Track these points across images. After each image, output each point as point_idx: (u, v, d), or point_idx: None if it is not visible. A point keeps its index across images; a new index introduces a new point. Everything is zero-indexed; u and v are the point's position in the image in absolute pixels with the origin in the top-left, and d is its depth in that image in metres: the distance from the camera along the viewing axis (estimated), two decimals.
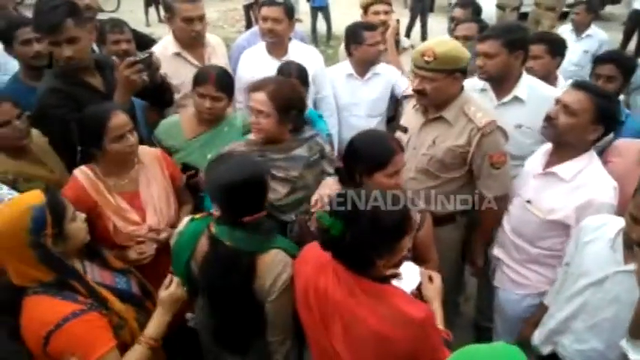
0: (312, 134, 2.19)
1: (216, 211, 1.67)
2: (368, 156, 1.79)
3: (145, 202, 2.00)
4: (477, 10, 3.56)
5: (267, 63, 2.86)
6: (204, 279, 1.67)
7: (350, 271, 1.38)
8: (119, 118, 1.87)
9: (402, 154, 1.85)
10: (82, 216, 1.61)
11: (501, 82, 2.45)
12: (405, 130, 2.37)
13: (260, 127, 2.01)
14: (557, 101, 1.96)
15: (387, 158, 1.77)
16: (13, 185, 1.98)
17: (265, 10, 2.83)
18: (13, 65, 2.66)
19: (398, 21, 3.32)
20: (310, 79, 2.76)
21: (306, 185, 2.08)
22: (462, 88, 2.22)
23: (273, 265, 1.61)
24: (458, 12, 3.53)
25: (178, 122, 2.37)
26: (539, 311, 2.06)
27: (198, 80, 2.27)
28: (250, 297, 1.62)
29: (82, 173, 1.92)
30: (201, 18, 2.66)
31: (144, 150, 2.08)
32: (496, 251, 2.30)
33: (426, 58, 2.08)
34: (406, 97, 2.54)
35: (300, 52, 2.97)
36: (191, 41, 2.70)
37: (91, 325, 1.46)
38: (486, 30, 2.54)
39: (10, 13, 3.28)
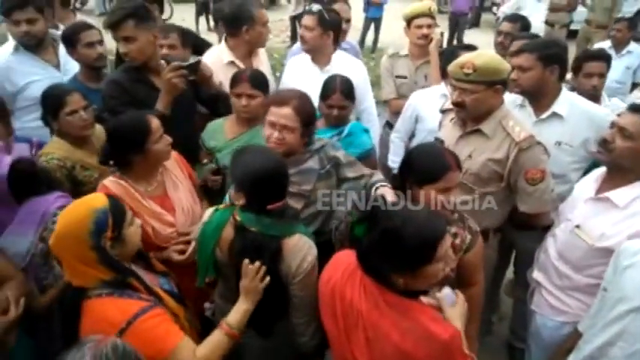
0: (321, 145, 2.15)
1: (240, 201, 1.71)
2: (422, 167, 1.78)
3: (174, 203, 2.07)
4: (526, 26, 3.50)
5: (311, 72, 2.92)
6: (233, 265, 1.72)
7: (376, 282, 1.38)
8: (156, 122, 1.96)
9: (458, 172, 1.79)
10: (139, 222, 1.66)
11: (539, 98, 2.41)
12: (441, 142, 2.35)
13: (284, 142, 1.97)
14: (613, 124, 1.91)
15: (440, 173, 1.73)
16: (71, 171, 2.13)
17: (303, 19, 2.98)
18: (72, 66, 2.83)
19: (442, 34, 3.31)
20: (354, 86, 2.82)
21: (323, 194, 2.07)
22: (502, 101, 2.19)
23: (298, 248, 1.67)
24: (505, 26, 3.49)
25: (221, 124, 2.45)
26: (573, 337, 1.99)
27: (234, 82, 2.36)
28: (277, 279, 1.66)
29: (113, 183, 1.94)
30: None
31: None
32: (536, 274, 2.23)
33: (465, 70, 2.08)
34: (444, 111, 2.52)
35: (344, 63, 3.01)
36: (261, 45, 2.89)
37: (161, 319, 1.49)
38: (522, 45, 2.51)
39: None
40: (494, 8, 10.90)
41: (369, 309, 1.37)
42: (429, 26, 3.20)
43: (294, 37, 9.32)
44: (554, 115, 2.39)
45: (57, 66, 2.85)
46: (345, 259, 1.54)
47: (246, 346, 1.82)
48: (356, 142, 2.43)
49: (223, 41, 2.89)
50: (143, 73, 2.37)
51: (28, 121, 2.68)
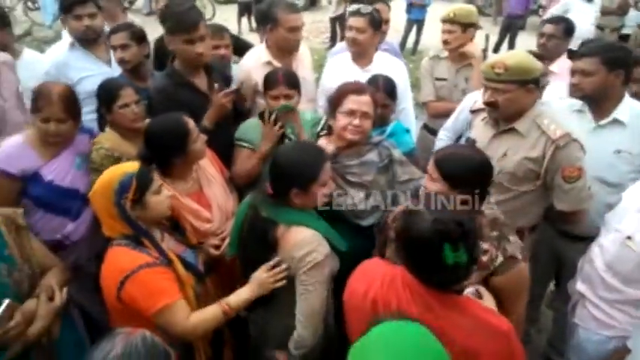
0: (380, 139, 2.21)
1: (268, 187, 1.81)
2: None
3: (209, 199, 2.13)
4: (570, 28, 3.39)
5: (352, 72, 2.92)
6: (240, 243, 1.82)
7: (425, 285, 1.36)
8: (191, 121, 2.04)
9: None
10: (167, 193, 1.79)
11: (600, 103, 2.32)
12: (473, 142, 2.33)
13: (362, 129, 2.06)
14: None
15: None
16: (117, 162, 2.16)
17: (351, 20, 2.92)
18: None
19: (487, 36, 3.24)
20: None
21: (380, 190, 2.09)
22: (535, 100, 2.17)
23: (306, 241, 1.70)
24: (548, 28, 3.39)
25: (258, 123, 2.48)
26: (620, 352, 1.91)
27: (269, 84, 2.40)
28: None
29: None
30: (302, 28, 2.82)
31: None
32: (579, 286, 2.15)
33: (497, 70, 2.08)
34: (474, 111, 2.48)
35: (385, 63, 3.00)
36: (288, 50, 2.85)
37: (161, 277, 1.62)
38: (583, 47, 2.43)
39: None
40: (541, 11, 10.60)
41: (421, 312, 1.34)
42: (449, 32, 3.14)
43: (333, 39, 9.34)
44: (615, 121, 2.31)
45: (108, 62, 2.96)
46: (377, 269, 1.53)
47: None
48: (398, 141, 2.42)
49: (264, 41, 2.93)
50: (185, 77, 2.43)
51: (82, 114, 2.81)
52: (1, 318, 1.47)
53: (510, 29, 8.61)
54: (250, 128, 2.46)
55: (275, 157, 1.83)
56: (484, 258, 1.65)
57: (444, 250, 1.28)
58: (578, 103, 2.42)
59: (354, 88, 2.10)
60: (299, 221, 1.74)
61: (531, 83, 2.11)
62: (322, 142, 2.20)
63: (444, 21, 3.16)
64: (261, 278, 1.73)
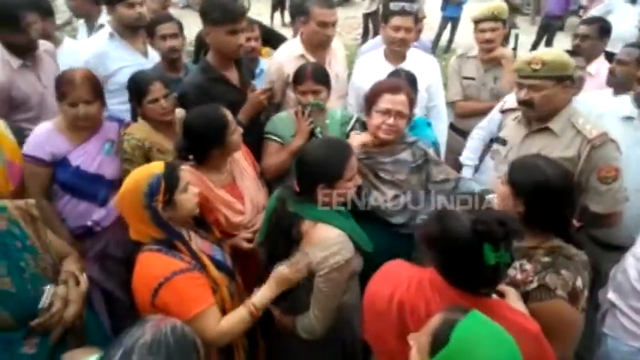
0: (415, 139, 2.20)
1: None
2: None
3: (242, 192, 2.15)
4: (605, 29, 3.28)
5: (384, 69, 2.90)
6: (268, 235, 1.84)
7: (455, 288, 1.33)
8: (228, 112, 2.06)
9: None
10: (194, 190, 1.78)
11: None
12: (503, 142, 2.30)
13: (397, 128, 2.06)
14: None
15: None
16: (147, 153, 2.27)
17: (399, 20, 2.83)
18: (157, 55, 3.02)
19: (517, 35, 3.18)
20: (424, 87, 2.78)
21: (411, 190, 2.09)
22: (570, 98, 2.13)
23: (332, 242, 1.68)
24: (583, 29, 3.30)
25: (288, 117, 2.51)
26: None
27: (298, 79, 2.41)
28: None
29: (186, 172, 1.98)
30: (334, 23, 2.80)
31: None
32: (610, 295, 2.10)
33: (534, 66, 2.04)
34: (504, 111, 2.43)
35: (418, 60, 2.98)
36: (320, 45, 2.84)
37: (195, 283, 1.60)
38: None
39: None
40: (581, 11, 10.25)
41: None
42: (493, 30, 3.09)
43: (365, 35, 9.28)
44: None
45: (145, 54, 3.04)
46: (401, 271, 1.49)
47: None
48: (419, 135, 2.40)
49: (299, 35, 2.95)
50: (219, 71, 2.46)
51: (116, 104, 2.87)
52: (45, 304, 1.54)
53: (548, 30, 8.37)
54: (280, 122, 2.48)
55: (301, 154, 1.84)
56: (519, 276, 1.57)
57: (484, 250, 1.24)
58: (626, 110, 2.34)
59: (390, 87, 2.10)
60: (325, 218, 1.74)
61: (567, 79, 2.08)
62: (356, 137, 2.20)
63: (484, 19, 3.10)
64: (283, 275, 1.71)
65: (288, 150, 2.36)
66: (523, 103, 2.14)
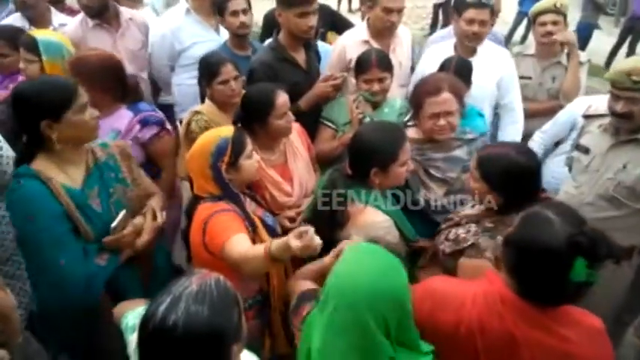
0: (475, 136, 2.14)
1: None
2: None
3: (292, 174, 2.18)
4: None
5: None
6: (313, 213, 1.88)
7: (529, 300, 1.27)
8: (284, 98, 2.07)
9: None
10: (257, 157, 1.87)
11: None
12: (586, 150, 2.18)
13: (450, 126, 2.04)
14: None
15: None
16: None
17: (474, 13, 2.71)
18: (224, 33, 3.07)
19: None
20: (495, 82, 2.69)
21: (462, 188, 2.05)
22: None
23: (375, 225, 1.70)
24: None
25: (345, 103, 2.51)
26: None
27: (362, 67, 2.38)
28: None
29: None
30: (400, 10, 2.74)
31: None
32: None
33: (635, 78, 1.91)
34: (588, 116, 2.29)
35: (490, 54, 2.85)
36: (384, 31, 2.79)
37: (233, 218, 1.71)
38: None
39: None
40: None
41: (540, 335, 1.26)
42: (555, 23, 2.91)
43: (434, 26, 9.05)
44: None
45: (217, 30, 3.13)
46: (457, 290, 1.40)
47: None
48: (469, 125, 2.31)
49: (365, 20, 2.93)
50: (288, 51, 2.50)
51: (187, 79, 3.02)
52: (117, 225, 1.74)
53: (632, 32, 7.78)
54: (337, 108, 2.49)
55: (355, 136, 1.85)
56: (462, 235, 1.70)
57: (574, 264, 1.16)
58: None
59: (430, 90, 2.05)
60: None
61: None
62: (409, 132, 2.17)
63: (546, 12, 2.94)
64: (306, 244, 1.46)
65: (341, 140, 2.36)
66: (620, 116, 2.03)
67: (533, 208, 1.32)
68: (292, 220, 2.11)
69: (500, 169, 1.63)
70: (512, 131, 2.87)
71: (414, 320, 1.32)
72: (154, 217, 1.90)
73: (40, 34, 2.19)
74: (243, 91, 2.34)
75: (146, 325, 1.01)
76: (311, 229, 1.46)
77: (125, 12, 3.08)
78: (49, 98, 1.65)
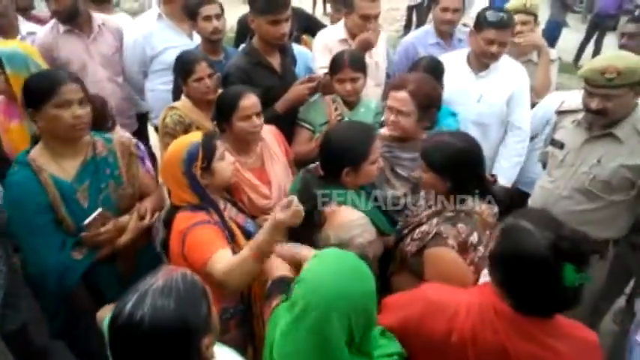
0: None
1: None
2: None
3: (270, 177, 2.17)
4: None
5: (464, 75, 2.72)
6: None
7: (520, 312, 1.27)
8: (250, 101, 2.05)
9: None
10: (231, 158, 1.84)
11: None
12: (560, 145, 2.22)
13: (399, 125, 2.05)
14: None
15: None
16: (188, 129, 2.33)
17: (494, 34, 2.52)
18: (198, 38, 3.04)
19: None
20: (505, 99, 2.65)
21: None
22: (636, 103, 2.05)
23: (353, 223, 1.68)
24: (629, 27, 3.14)
25: (321, 103, 2.50)
26: None
27: (335, 68, 2.39)
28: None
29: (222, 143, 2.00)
30: (377, 16, 2.76)
31: (264, 128, 2.20)
32: None
33: (608, 76, 1.94)
34: (561, 112, 2.34)
35: (504, 68, 2.70)
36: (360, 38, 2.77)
37: (213, 231, 1.67)
38: None
39: None
40: (638, 11, 9.78)
41: (526, 344, 1.26)
42: (524, 23, 2.96)
43: (408, 27, 9.16)
44: None
45: (190, 35, 3.09)
46: (450, 299, 1.38)
47: None
48: (442, 124, 2.34)
49: (342, 20, 2.93)
50: (262, 56, 2.48)
51: (160, 84, 2.99)
52: (90, 223, 1.74)
53: (599, 28, 8.02)
54: (313, 109, 2.49)
55: (325, 137, 1.85)
56: (426, 229, 1.71)
57: (564, 271, 1.16)
58: None
59: (394, 84, 2.10)
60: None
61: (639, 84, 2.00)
62: (383, 129, 2.19)
63: (516, 12, 2.95)
64: (279, 219, 1.53)
65: (317, 142, 2.30)
66: (595, 112, 2.06)
67: (508, 220, 1.32)
68: None
69: (444, 156, 1.69)
70: (515, 149, 2.75)
71: (401, 323, 1.35)
72: (142, 218, 1.90)
73: (2, 47, 2.16)
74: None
75: (114, 323, 1.02)
76: (295, 198, 1.53)
77: (97, 17, 3.02)
78: (33, 86, 1.72)
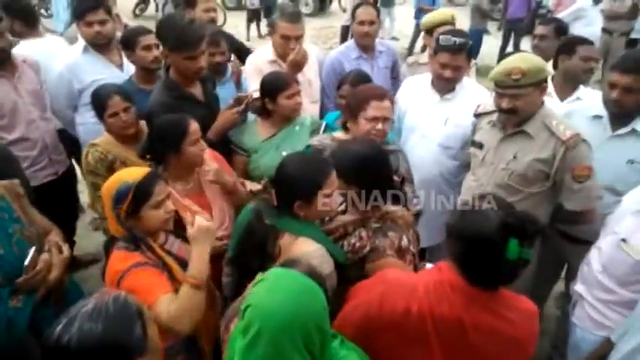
0: (396, 149, 2.25)
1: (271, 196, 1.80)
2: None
3: (210, 201, 2.16)
4: (561, 28, 3.39)
5: (429, 97, 2.74)
6: (238, 248, 1.81)
7: (475, 285, 1.36)
8: (195, 125, 2.08)
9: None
10: (170, 208, 1.73)
11: (624, 114, 2.30)
12: (480, 145, 2.37)
13: (385, 132, 2.16)
14: None
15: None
16: (111, 165, 2.28)
17: (448, 58, 2.53)
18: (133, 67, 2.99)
19: None
20: (471, 121, 2.62)
21: None
22: (542, 99, 2.22)
23: (310, 255, 1.61)
24: (540, 29, 3.43)
25: (253, 125, 2.53)
26: (605, 346, 1.93)
27: (281, 86, 2.41)
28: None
29: (165, 188, 1.93)
30: (298, 38, 2.82)
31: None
32: (578, 287, 2.17)
33: (514, 77, 2.09)
34: (478, 115, 2.49)
35: (469, 92, 2.72)
36: (286, 55, 2.83)
37: (150, 275, 1.63)
38: (624, 60, 2.29)
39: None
40: (549, 15, 10.57)
41: (480, 315, 1.35)
42: None
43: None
44: (634, 132, 2.30)
45: (120, 66, 3.04)
46: (409, 280, 1.48)
47: None
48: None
49: (271, 42, 3.00)
50: (184, 88, 2.44)
51: (90, 117, 2.85)
52: (28, 265, 1.75)
53: (513, 33, 8.56)
54: (247, 132, 2.52)
55: (279, 168, 1.77)
56: (357, 243, 1.76)
57: (508, 244, 1.26)
58: (594, 110, 2.41)
59: (377, 94, 2.15)
60: (305, 233, 1.69)
61: (544, 82, 2.17)
62: (337, 134, 2.26)
63: (445, 24, 3.16)
64: (194, 232, 1.65)
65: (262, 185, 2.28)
66: (506, 112, 2.20)
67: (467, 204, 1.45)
68: (220, 239, 2.07)
69: (350, 163, 1.75)
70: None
71: (364, 307, 1.43)
72: (60, 251, 1.90)
73: None
74: (142, 122, 2.30)
75: (45, 347, 1.03)
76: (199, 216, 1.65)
77: (18, 55, 2.90)
78: None
